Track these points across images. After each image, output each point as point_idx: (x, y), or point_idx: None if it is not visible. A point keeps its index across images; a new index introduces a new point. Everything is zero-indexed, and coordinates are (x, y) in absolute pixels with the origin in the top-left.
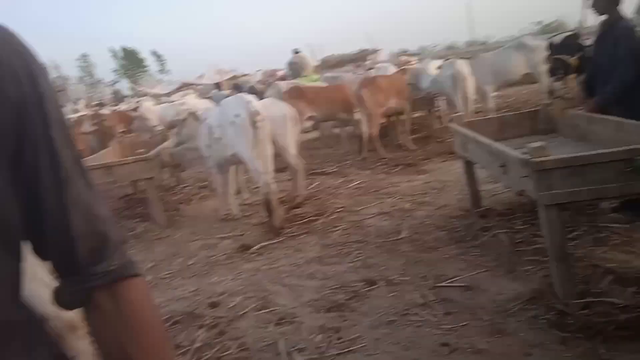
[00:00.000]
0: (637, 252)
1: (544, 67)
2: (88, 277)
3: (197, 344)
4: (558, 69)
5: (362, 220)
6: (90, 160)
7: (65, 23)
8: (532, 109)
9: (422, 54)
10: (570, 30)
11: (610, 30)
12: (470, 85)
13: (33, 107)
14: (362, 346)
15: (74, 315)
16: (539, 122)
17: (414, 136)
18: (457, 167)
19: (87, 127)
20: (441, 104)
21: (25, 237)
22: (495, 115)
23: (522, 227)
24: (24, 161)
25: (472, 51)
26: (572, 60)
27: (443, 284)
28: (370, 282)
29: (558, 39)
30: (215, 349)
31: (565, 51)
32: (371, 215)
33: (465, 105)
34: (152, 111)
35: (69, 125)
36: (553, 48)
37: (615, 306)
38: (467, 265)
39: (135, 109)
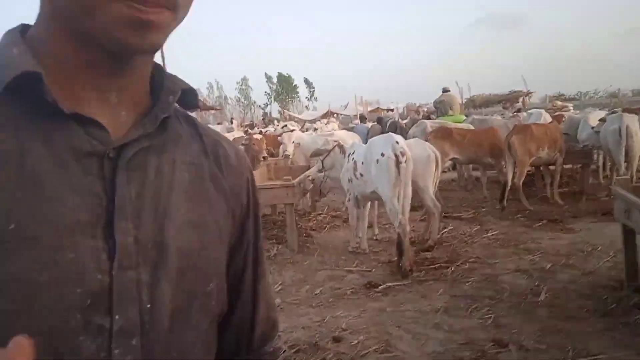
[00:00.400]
0: None
1: None
2: (258, 357)
3: None
4: None
5: (497, 275)
6: None
7: (232, 45)
8: None
9: (579, 100)
10: None
11: None
12: (638, 142)
13: (253, 212)
14: None
15: None
16: None
17: (562, 190)
18: (611, 231)
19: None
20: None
21: None
22: None
23: None
24: (236, 255)
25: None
26: None
27: None
28: (501, 344)
29: None
30: None
31: None
32: (507, 271)
33: (630, 164)
34: (289, 138)
35: None
36: None
37: None
38: (615, 344)
39: (280, 135)
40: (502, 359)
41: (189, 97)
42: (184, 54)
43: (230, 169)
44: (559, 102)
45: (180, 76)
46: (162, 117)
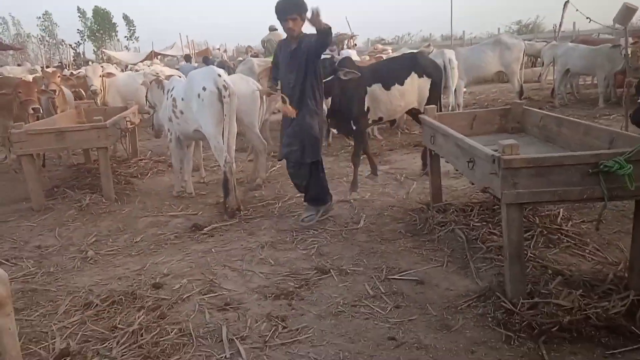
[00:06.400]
0: (587, 255)
1: (516, 66)
2: None
3: (135, 327)
4: None
5: None
6: (42, 124)
7: None
8: (504, 107)
9: (397, 44)
10: None
11: None
12: (456, 76)
13: None
14: (307, 337)
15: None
16: (509, 121)
17: (380, 126)
18: (420, 160)
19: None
20: None
21: None
22: (467, 110)
23: (478, 224)
24: None
25: (448, 45)
26: None
27: (395, 276)
28: (322, 271)
29: None
30: (154, 333)
31: None
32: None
33: (447, 95)
34: (93, 71)
35: None
36: None
37: (560, 308)
38: (421, 259)
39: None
40: (324, 284)
41: None
42: None
43: None
44: (379, 45)
45: None
46: None
